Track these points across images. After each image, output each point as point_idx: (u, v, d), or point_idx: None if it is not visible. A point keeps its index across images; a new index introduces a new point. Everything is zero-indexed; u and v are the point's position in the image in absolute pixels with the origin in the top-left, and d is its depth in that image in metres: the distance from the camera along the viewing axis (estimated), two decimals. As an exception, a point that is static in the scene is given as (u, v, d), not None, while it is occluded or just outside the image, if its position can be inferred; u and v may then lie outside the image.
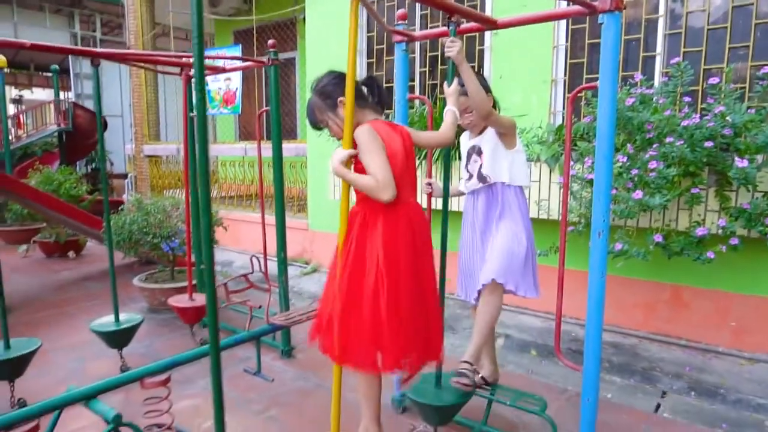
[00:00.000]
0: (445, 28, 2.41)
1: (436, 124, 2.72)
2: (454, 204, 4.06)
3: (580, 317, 3.91)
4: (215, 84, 7.33)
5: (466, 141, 2.61)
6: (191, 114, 3.73)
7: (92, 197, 7.22)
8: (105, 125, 10.97)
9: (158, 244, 4.34)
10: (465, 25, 2.26)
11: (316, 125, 1.95)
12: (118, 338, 3.14)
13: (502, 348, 3.83)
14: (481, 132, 2.51)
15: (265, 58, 3.21)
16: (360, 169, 1.70)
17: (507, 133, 2.40)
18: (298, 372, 3.36)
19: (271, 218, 6.43)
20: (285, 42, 8.51)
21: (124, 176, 11.40)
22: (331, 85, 1.87)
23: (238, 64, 4.19)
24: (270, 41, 3.17)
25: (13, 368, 2.74)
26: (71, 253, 6.83)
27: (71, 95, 12.56)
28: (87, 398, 2.19)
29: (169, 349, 3.69)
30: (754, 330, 3.44)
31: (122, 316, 3.18)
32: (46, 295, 5.23)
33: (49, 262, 6.67)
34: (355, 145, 1.67)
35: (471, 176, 2.52)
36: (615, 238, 3.12)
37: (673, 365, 3.43)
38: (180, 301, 3.35)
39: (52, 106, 10.18)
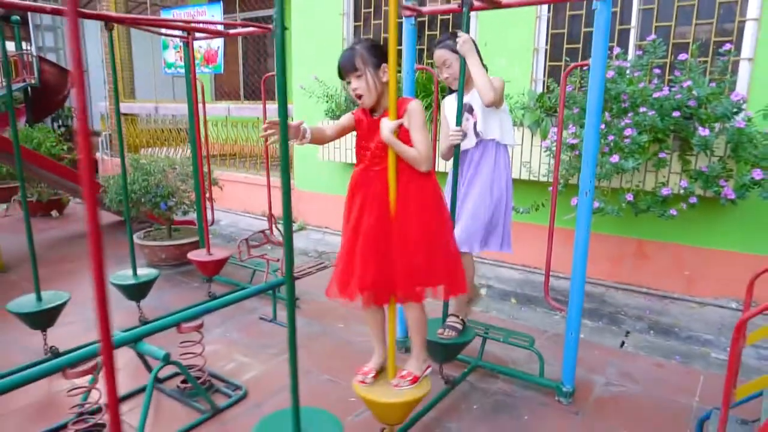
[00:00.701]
0: (452, 5, 2.65)
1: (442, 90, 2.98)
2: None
3: (556, 269, 4.33)
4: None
5: (453, 102, 2.62)
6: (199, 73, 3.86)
7: (72, 156, 7.18)
8: (70, 83, 10.64)
9: (158, 204, 4.50)
10: (475, 4, 2.49)
11: (349, 72, 1.93)
12: (137, 291, 3.35)
13: (486, 297, 4.23)
14: (469, 90, 2.58)
15: (271, 26, 3.36)
16: (403, 138, 1.89)
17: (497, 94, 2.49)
18: (304, 320, 3.68)
19: (261, 179, 6.60)
20: (261, -1, 8.43)
21: (96, 134, 11.18)
22: (381, 49, 1.94)
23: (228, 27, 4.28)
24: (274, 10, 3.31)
25: (46, 319, 2.95)
26: (54, 212, 6.84)
27: (32, 48, 12.04)
28: (135, 341, 2.44)
29: (177, 301, 3.92)
30: (704, 278, 3.94)
31: (139, 271, 3.38)
32: (41, 253, 5.30)
33: (33, 221, 6.67)
34: (399, 115, 1.88)
35: (465, 135, 2.57)
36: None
37: (635, 310, 3.91)
38: (199, 255, 3.57)
39: (15, 59, 9.78)
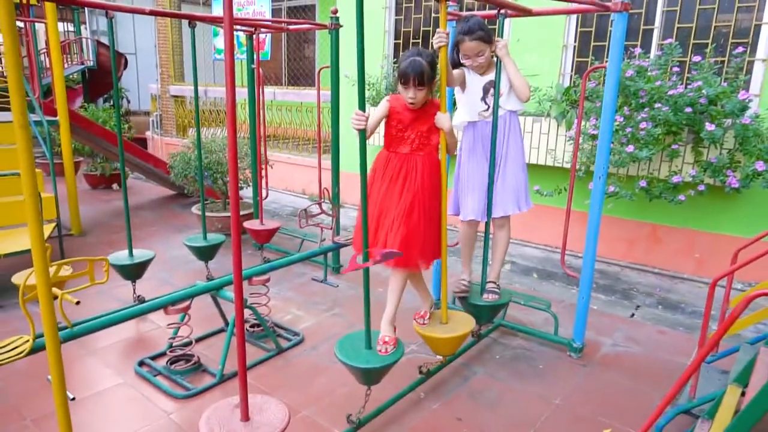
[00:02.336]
0: (489, 12, 3.06)
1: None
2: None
3: (574, 249, 4.74)
4: (241, 31, 7.78)
5: (476, 78, 2.87)
6: (252, 66, 4.35)
7: (130, 134, 7.82)
8: (126, 63, 11.31)
9: (217, 179, 5.04)
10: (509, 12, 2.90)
11: (415, 84, 2.26)
12: (206, 252, 3.89)
13: (509, 272, 4.67)
14: (486, 71, 2.86)
15: (327, 23, 3.81)
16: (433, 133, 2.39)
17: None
18: (348, 283, 4.18)
19: (305, 160, 7.12)
20: (305, -11, 8.87)
21: (144, 113, 11.86)
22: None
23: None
24: (332, 8, 3.76)
25: (136, 271, 3.51)
26: (115, 185, 7.49)
27: (87, 31, 12.75)
28: (217, 288, 2.97)
29: (236, 265, 4.46)
30: (712, 260, 4.29)
31: (209, 235, 3.92)
32: (108, 221, 5.95)
33: (96, 192, 7.35)
34: (433, 113, 2.36)
35: (488, 107, 2.85)
36: (609, 182, 3.89)
37: (646, 287, 4.30)
38: (254, 225, 4.09)
39: (76, 43, 10.47)
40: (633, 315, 3.83)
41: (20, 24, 6.19)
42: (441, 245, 2.43)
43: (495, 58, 2.74)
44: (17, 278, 2.77)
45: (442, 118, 2.32)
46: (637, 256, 4.64)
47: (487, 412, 2.58)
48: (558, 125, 4.47)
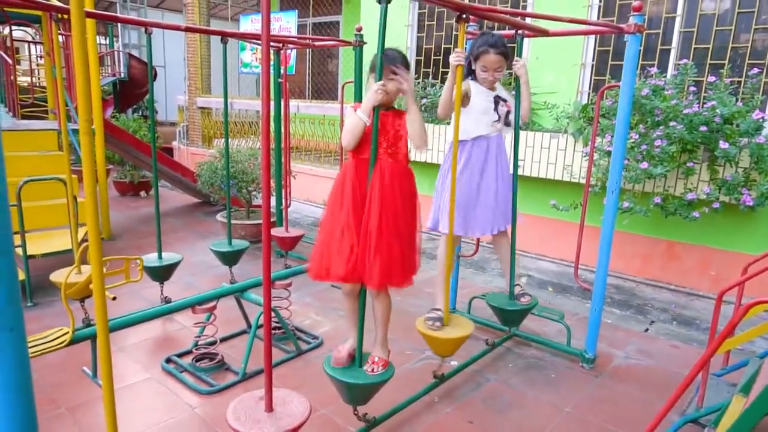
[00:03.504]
0: (508, 32, 3.19)
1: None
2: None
3: (590, 264, 4.79)
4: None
5: (483, 91, 2.82)
6: (279, 80, 4.54)
7: (158, 144, 8.08)
8: (155, 75, 11.71)
9: (242, 188, 5.22)
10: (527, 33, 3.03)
11: (394, 68, 2.12)
12: (231, 258, 4.04)
13: (525, 285, 4.73)
14: (492, 87, 2.84)
15: (352, 40, 3.97)
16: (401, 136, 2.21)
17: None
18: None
19: (327, 171, 7.28)
20: (329, 6, 9.13)
21: (170, 124, 12.23)
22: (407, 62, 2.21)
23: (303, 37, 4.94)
24: (357, 25, 3.93)
25: (164, 273, 3.68)
26: (143, 193, 7.75)
27: (119, 44, 13.24)
28: (242, 290, 3.11)
29: (257, 271, 4.62)
30: (728, 278, 4.31)
31: (233, 241, 4.08)
32: (137, 226, 6.17)
33: (125, 199, 7.61)
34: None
35: (500, 118, 2.85)
36: (624, 198, 3.96)
37: (662, 303, 4.33)
38: (278, 232, 4.24)
39: (109, 56, 10.88)
40: (647, 330, 3.86)
41: (61, 38, 6.52)
42: (415, 258, 2.30)
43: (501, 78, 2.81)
44: (56, 276, 2.94)
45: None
46: (653, 273, 4.67)
47: (498, 417, 2.66)
48: (575, 141, 4.56)
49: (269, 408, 1.89)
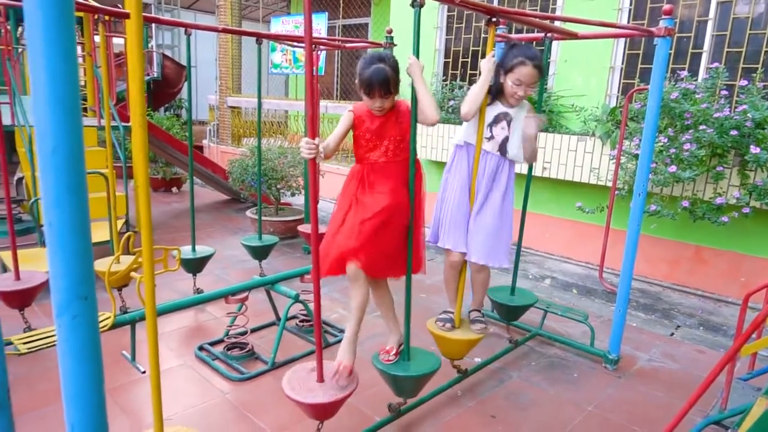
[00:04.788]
0: (538, 35, 3.23)
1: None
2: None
3: (615, 268, 4.77)
4: (299, 47, 8.20)
5: (494, 104, 2.58)
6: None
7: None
8: (186, 76, 12.00)
9: (272, 185, 5.35)
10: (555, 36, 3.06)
11: (382, 95, 2.12)
12: (261, 252, 4.17)
13: (549, 286, 4.75)
14: (514, 104, 2.55)
15: (382, 42, 4.05)
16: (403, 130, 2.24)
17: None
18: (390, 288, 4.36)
19: (347, 169, 7.35)
20: (359, 8, 9.25)
21: (201, 123, 12.51)
22: (397, 67, 2.15)
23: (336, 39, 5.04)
24: (387, 27, 4.01)
25: (198, 265, 3.81)
26: (174, 189, 7.97)
27: (152, 44, 13.61)
28: (272, 283, 3.22)
29: (284, 266, 4.73)
30: (759, 284, 4.25)
31: (263, 237, 4.20)
32: (168, 221, 6.37)
33: (157, 195, 7.84)
34: (404, 114, 2.23)
35: (492, 138, 2.55)
36: (651, 201, 3.95)
37: (688, 308, 4.29)
38: (308, 229, 4.35)
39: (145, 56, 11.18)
40: (672, 334, 3.85)
41: (98, 38, 6.77)
42: (421, 258, 2.36)
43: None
44: (99, 266, 3.09)
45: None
46: (680, 278, 4.63)
47: (520, 413, 2.70)
48: (603, 144, 4.56)
49: (320, 379, 2.02)
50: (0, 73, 5.21)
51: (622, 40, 4.77)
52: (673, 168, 3.65)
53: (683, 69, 4.23)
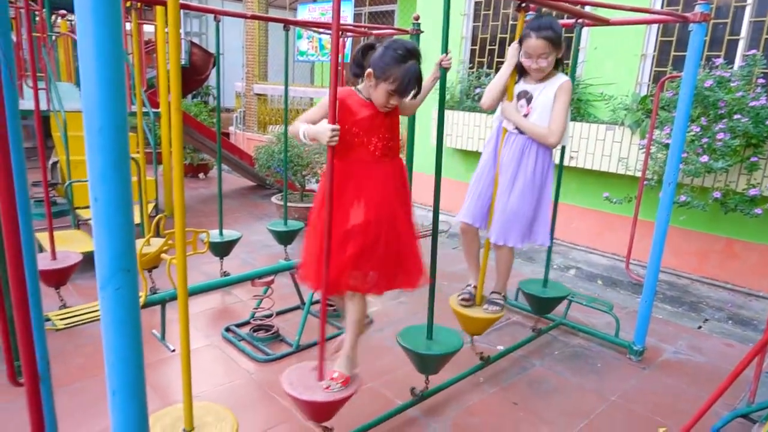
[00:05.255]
0: (568, 21, 3.18)
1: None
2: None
3: (643, 259, 4.70)
4: (326, 34, 8.21)
5: (519, 83, 2.54)
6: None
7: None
8: (214, 63, 12.12)
9: (297, 172, 5.41)
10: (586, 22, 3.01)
11: (419, 91, 2.00)
12: (286, 237, 4.22)
13: (574, 277, 4.71)
14: (540, 80, 2.49)
15: (409, 28, 4.04)
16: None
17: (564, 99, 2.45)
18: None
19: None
20: (385, -5, 9.20)
21: (227, 110, 12.65)
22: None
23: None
24: (414, 14, 3.99)
25: (224, 249, 3.89)
26: (201, 175, 8.11)
27: (181, 32, 13.76)
28: (297, 267, 3.27)
29: (309, 252, 4.79)
30: (791, 279, 4.15)
31: (288, 222, 4.25)
32: (195, 205, 6.49)
33: (185, 180, 7.95)
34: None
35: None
36: (681, 192, 3.88)
37: (717, 302, 4.21)
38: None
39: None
40: (700, 327, 3.79)
41: (129, 26, 6.89)
42: (418, 265, 2.13)
43: (559, 72, 2.51)
44: (130, 246, 3.17)
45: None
46: (709, 271, 4.55)
47: (542, 401, 2.71)
48: (632, 134, 4.47)
49: (320, 377, 2.00)
50: (36, 59, 5.36)
51: (655, 26, 4.66)
52: (705, 158, 3.57)
53: (719, 56, 4.12)
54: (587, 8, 3.12)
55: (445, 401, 2.65)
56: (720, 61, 3.85)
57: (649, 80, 4.75)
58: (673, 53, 4.61)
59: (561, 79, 2.47)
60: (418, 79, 1.90)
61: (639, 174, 4.41)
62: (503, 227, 2.53)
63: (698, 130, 3.72)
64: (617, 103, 4.68)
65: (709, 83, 3.66)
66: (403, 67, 1.86)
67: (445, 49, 2.16)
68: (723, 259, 4.47)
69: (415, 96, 2.02)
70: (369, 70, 1.91)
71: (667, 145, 3.93)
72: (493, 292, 2.74)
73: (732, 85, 3.67)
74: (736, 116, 3.55)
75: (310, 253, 2.09)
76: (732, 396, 2.76)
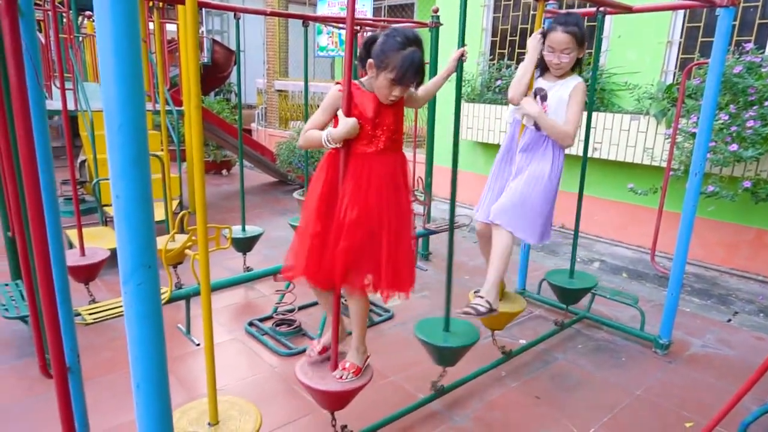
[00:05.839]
0: (590, 9, 3.12)
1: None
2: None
3: (669, 252, 4.61)
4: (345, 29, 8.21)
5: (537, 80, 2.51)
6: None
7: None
8: (236, 60, 12.24)
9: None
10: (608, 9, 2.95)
11: (421, 80, 1.86)
12: (307, 232, 4.26)
13: (598, 269, 4.64)
14: (557, 78, 2.47)
15: (428, 21, 4.02)
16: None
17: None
18: (435, 269, 4.39)
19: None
20: (405, -12, 9.15)
21: (249, 107, 12.77)
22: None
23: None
24: (434, 7, 3.97)
25: (247, 245, 3.94)
26: (224, 171, 8.21)
27: (202, 30, 13.92)
28: (319, 262, 3.29)
29: (331, 247, 4.82)
30: (826, 270, 4.02)
31: (310, 217, 4.28)
32: (218, 202, 6.58)
33: (208, 177, 8.08)
34: None
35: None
36: (708, 182, 3.78)
37: (747, 294, 4.11)
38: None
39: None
40: (729, 320, 3.70)
41: (152, 25, 7.02)
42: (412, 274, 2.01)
43: (575, 73, 2.47)
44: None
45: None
46: (739, 263, 4.43)
47: (565, 394, 2.68)
48: (657, 123, 4.38)
49: (334, 367, 2.00)
50: (63, 60, 5.49)
51: (681, 12, 4.54)
52: (734, 147, 3.48)
53: (749, 41, 3.99)
54: (609, -4, 3.06)
55: (467, 395, 2.65)
56: (750, 46, 3.73)
57: (676, 68, 4.63)
58: (700, 39, 4.49)
59: (576, 80, 2.43)
60: (418, 66, 1.79)
61: (664, 164, 4.31)
62: (504, 210, 2.43)
63: (727, 118, 3.62)
64: (642, 92, 4.58)
65: (739, 69, 3.55)
66: (402, 54, 1.76)
67: (462, 42, 2.14)
68: (754, 250, 4.35)
69: (418, 85, 1.89)
70: (370, 60, 1.84)
71: (693, 135, 3.83)
72: (476, 291, 2.49)
73: (763, 70, 3.56)
74: (766, 103, 3.44)
75: (302, 248, 1.99)
76: (763, 390, 2.69)
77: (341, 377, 1.95)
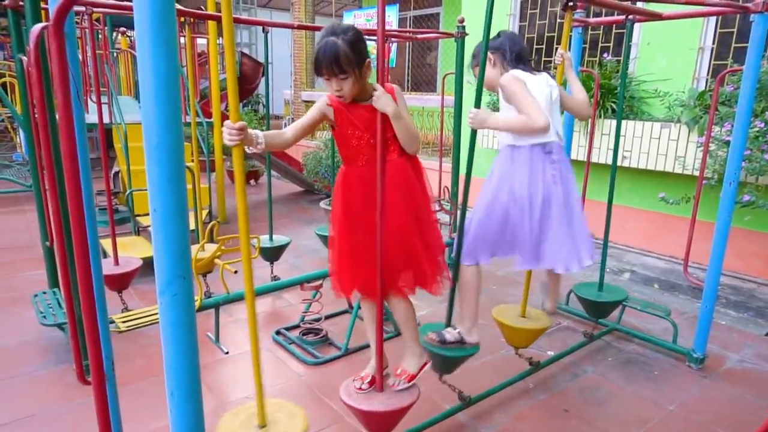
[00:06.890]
0: (617, 18, 3.09)
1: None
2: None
3: (703, 263, 4.49)
4: (371, 40, 8.29)
5: (537, 77, 2.33)
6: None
7: (267, 136, 8.65)
8: (263, 72, 12.47)
9: (344, 176, 5.49)
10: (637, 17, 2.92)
11: (332, 75, 1.74)
12: (334, 242, 4.29)
13: (628, 280, 4.55)
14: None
15: (454, 32, 4.03)
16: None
17: None
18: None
19: (425, 162, 7.40)
20: (430, -2, 9.20)
21: (276, 117, 12.98)
22: (364, 42, 1.78)
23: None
24: (459, 17, 3.98)
25: (274, 254, 4.00)
26: (252, 181, 8.34)
27: (231, 43, 14.20)
28: (345, 271, 3.32)
29: (357, 256, 4.84)
30: None
31: (336, 226, 4.32)
32: (247, 211, 6.68)
33: (234, 187, 8.23)
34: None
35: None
36: (744, 191, 3.68)
37: (786, 307, 3.97)
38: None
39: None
40: (767, 335, 3.58)
41: (183, 40, 7.22)
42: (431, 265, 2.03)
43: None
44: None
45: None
46: (777, 274, 4.29)
47: (595, 408, 2.63)
48: (689, 131, 4.29)
49: (380, 389, 1.99)
50: (99, 76, 5.69)
51: (713, 18, 4.45)
52: (769, 155, 3.38)
53: (784, 47, 3.89)
54: (639, 3, 3.03)
55: (493, 407, 2.62)
56: (786, 51, 3.63)
57: (708, 75, 4.54)
58: (734, 45, 4.39)
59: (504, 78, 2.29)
60: (329, 53, 1.70)
61: (697, 173, 4.22)
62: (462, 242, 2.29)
63: (762, 125, 3.53)
64: (673, 99, 4.50)
65: (774, 76, 3.46)
66: (318, 45, 1.75)
67: (485, 51, 2.14)
68: (792, 261, 4.21)
69: (341, 73, 1.73)
70: None
71: (727, 143, 3.74)
72: (450, 329, 2.31)
73: (800, 76, 3.47)
74: (804, 110, 3.34)
75: (342, 261, 2.03)
76: (804, 408, 2.60)
77: (393, 384, 1.96)
